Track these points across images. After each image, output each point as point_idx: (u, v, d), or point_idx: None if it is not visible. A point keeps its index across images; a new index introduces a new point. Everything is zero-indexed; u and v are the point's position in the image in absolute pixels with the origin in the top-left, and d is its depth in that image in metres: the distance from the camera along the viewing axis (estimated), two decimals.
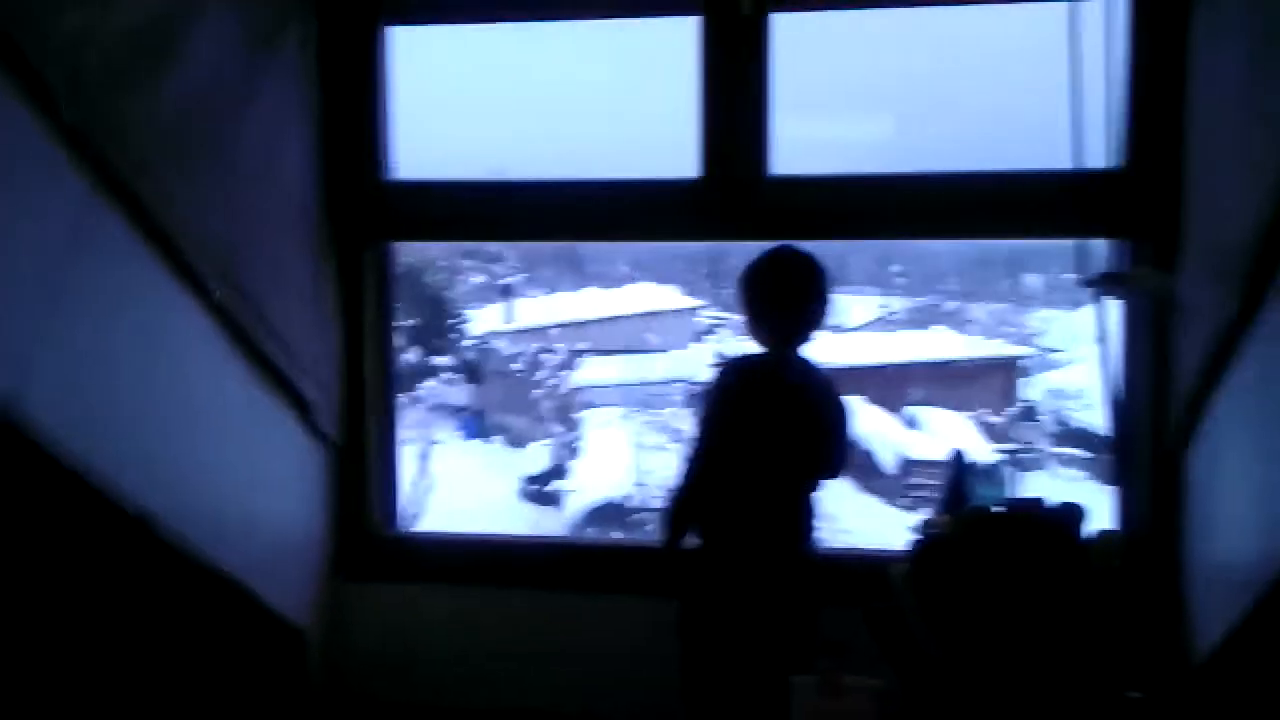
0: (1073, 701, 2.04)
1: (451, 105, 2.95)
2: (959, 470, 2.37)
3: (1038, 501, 2.16)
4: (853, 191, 2.67)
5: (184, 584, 2.50)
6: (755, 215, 2.66)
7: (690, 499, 2.50)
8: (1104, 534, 2.20)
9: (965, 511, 2.17)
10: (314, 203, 2.75)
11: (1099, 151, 2.48)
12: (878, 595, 2.21)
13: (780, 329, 2.45)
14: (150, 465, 2.19)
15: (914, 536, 2.22)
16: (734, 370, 2.56)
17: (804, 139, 2.97)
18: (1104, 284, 2.45)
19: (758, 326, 2.46)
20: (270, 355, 2.55)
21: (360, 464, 2.98)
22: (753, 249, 2.49)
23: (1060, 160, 2.49)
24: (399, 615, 2.97)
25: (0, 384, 1.76)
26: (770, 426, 2.44)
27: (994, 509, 2.14)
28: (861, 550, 3.11)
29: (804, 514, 2.48)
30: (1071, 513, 2.12)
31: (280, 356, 2.58)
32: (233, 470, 2.53)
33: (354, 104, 2.80)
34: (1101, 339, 2.47)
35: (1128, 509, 2.61)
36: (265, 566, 2.64)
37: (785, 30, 2.67)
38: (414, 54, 2.91)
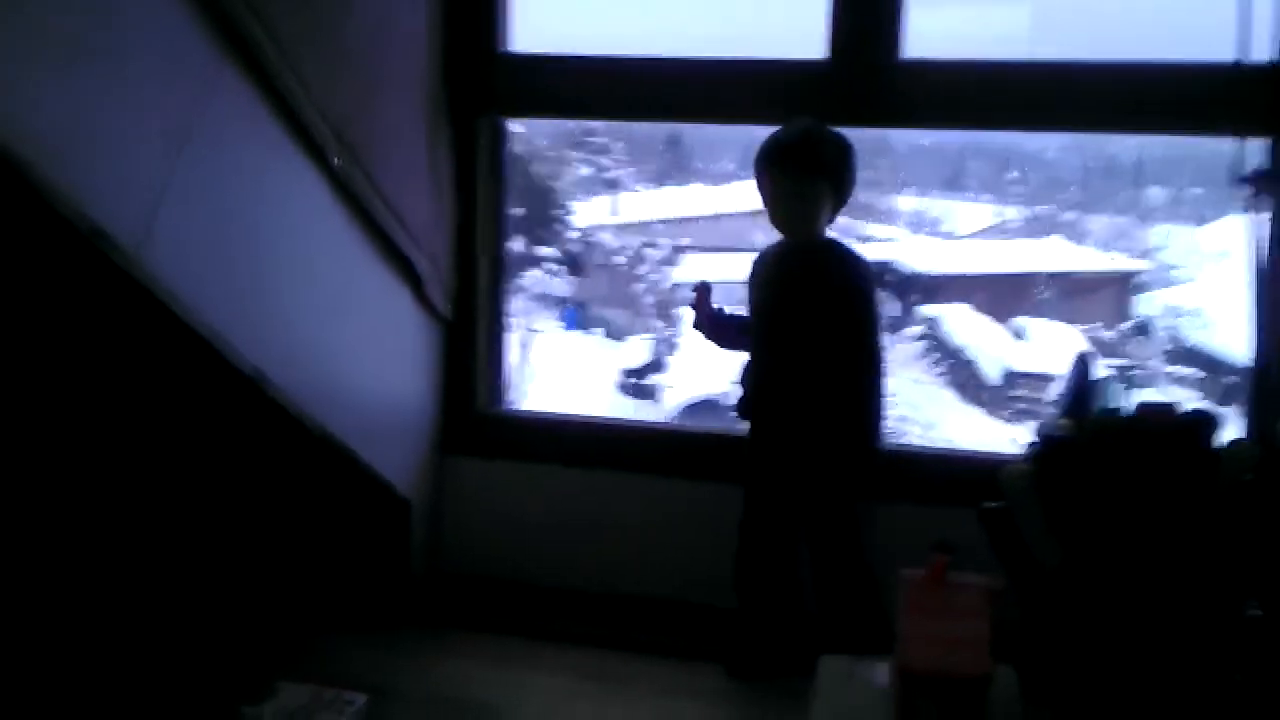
0: (1191, 613, 1.98)
1: None
2: (1083, 374, 2.28)
3: (1169, 407, 2.07)
4: (991, 78, 2.53)
5: (293, 447, 2.55)
6: (885, 101, 2.55)
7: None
8: (1236, 445, 2.10)
9: (1094, 415, 2.09)
10: (432, 73, 2.71)
11: (1264, 45, 2.32)
12: (985, 496, 2.15)
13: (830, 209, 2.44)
14: (265, 326, 2.22)
15: (1034, 439, 2.15)
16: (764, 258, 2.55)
17: (938, 25, 2.82)
18: (1260, 183, 2.31)
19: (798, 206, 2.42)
20: (385, 227, 2.54)
21: (468, 341, 2.99)
22: (877, 137, 2.40)
23: (1219, 53, 2.34)
24: (501, 492, 3.00)
25: (128, 231, 1.78)
26: (793, 310, 2.44)
27: (1124, 413, 2.06)
28: (966, 451, 3.04)
29: (850, 406, 2.44)
30: (1204, 420, 2.03)
31: (395, 228, 2.57)
32: (346, 338, 2.55)
33: None
34: (1251, 242, 2.34)
35: (1261, 423, 2.49)
36: (373, 435, 2.67)
37: None
38: None
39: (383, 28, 2.48)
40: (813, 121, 2.43)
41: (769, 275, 2.53)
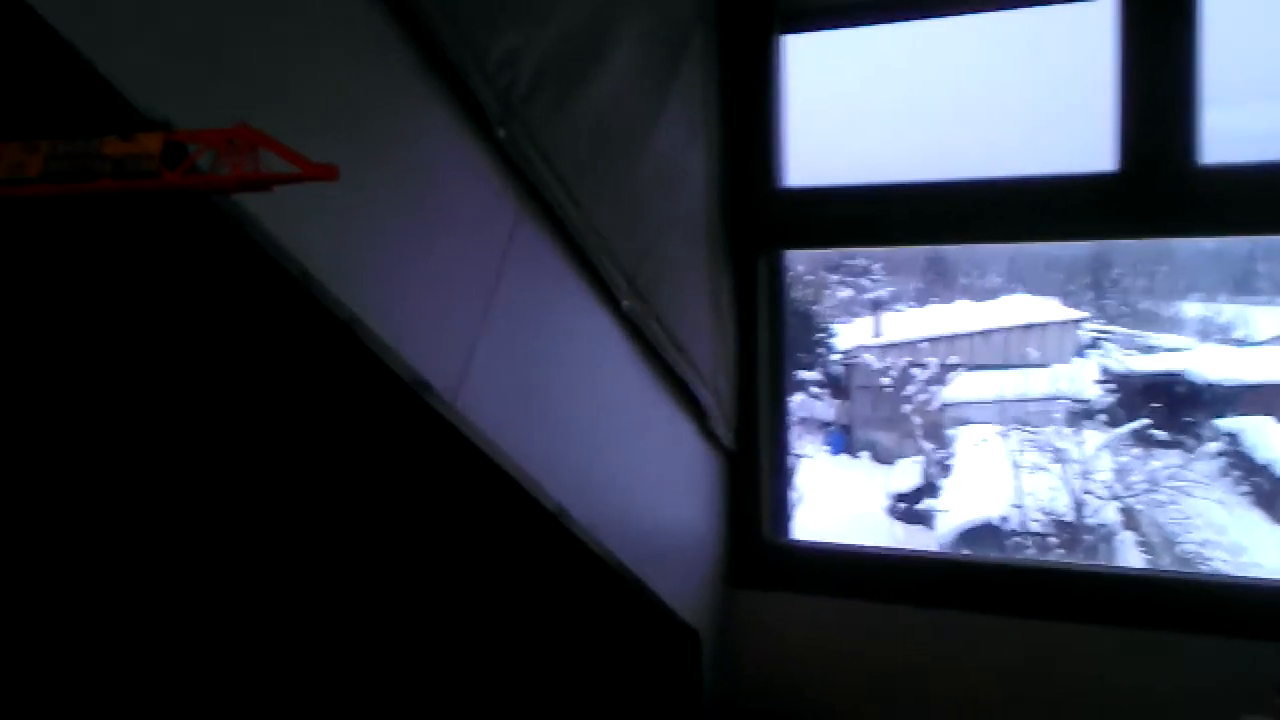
0: None
1: (847, 109, 2.92)
2: None
3: None
4: None
5: (588, 579, 2.60)
6: (1183, 210, 2.44)
7: None
8: None
9: None
10: (712, 212, 2.80)
11: None
12: None
13: None
14: (565, 463, 2.30)
15: None
16: None
17: (1233, 127, 2.70)
18: None
19: None
20: (671, 363, 2.62)
21: (752, 472, 3.00)
22: (1157, 242, 2.28)
23: None
24: (789, 624, 2.96)
25: (445, 380, 1.90)
26: None
27: None
28: None
29: None
30: None
31: (681, 364, 2.64)
32: (636, 472, 2.62)
33: (750, 112, 2.83)
34: None
35: None
36: (663, 568, 2.70)
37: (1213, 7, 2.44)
38: (804, 60, 2.90)
39: (670, 174, 2.60)
40: None
41: None
